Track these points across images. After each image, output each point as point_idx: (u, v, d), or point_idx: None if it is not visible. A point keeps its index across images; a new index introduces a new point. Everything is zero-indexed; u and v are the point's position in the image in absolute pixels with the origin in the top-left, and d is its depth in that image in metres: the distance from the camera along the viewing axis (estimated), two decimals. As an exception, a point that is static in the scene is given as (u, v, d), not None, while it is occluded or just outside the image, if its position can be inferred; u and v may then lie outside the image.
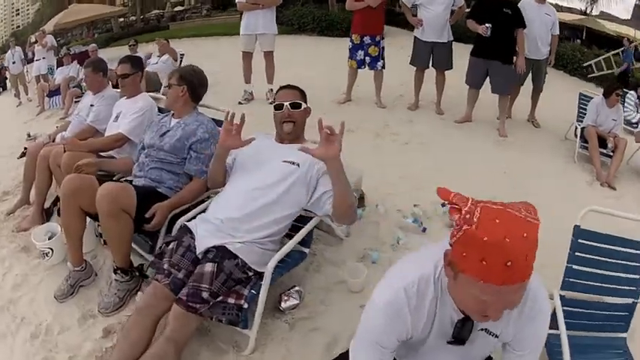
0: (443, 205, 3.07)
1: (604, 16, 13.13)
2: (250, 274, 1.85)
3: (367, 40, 4.94)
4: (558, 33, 4.79)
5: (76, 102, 6.40)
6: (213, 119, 2.60)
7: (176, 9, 16.44)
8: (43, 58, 8.55)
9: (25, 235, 2.82)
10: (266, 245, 1.93)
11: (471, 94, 4.79)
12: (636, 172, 4.46)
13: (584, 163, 4.41)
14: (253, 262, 1.87)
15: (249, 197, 1.91)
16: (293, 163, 1.95)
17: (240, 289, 1.82)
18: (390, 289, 1.14)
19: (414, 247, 2.74)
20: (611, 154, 4.28)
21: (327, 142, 1.67)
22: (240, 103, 5.30)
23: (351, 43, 5.04)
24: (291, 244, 2.00)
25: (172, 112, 2.51)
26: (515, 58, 4.52)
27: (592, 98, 4.63)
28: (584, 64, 8.37)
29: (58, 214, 2.90)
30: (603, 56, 7.80)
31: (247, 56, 5.22)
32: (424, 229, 2.92)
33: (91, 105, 3.33)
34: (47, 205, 3.06)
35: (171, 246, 1.92)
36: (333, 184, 1.82)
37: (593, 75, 7.37)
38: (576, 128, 4.68)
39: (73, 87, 6.63)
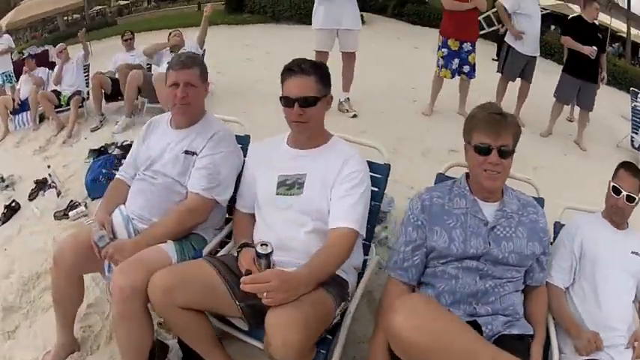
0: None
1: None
2: None
3: (467, 46, 4.34)
4: None
5: (58, 112, 4.72)
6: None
7: (122, 2, 15.29)
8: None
9: None
10: None
11: (558, 108, 4.67)
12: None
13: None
14: None
15: None
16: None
17: None
18: None
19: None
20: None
21: None
22: None
23: (446, 50, 4.34)
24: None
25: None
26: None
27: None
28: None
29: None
30: (492, 10, 7.24)
31: (322, 57, 3.95)
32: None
33: (188, 152, 1.70)
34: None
35: None
36: None
37: (484, 32, 6.79)
38: (632, 139, 4.82)
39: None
